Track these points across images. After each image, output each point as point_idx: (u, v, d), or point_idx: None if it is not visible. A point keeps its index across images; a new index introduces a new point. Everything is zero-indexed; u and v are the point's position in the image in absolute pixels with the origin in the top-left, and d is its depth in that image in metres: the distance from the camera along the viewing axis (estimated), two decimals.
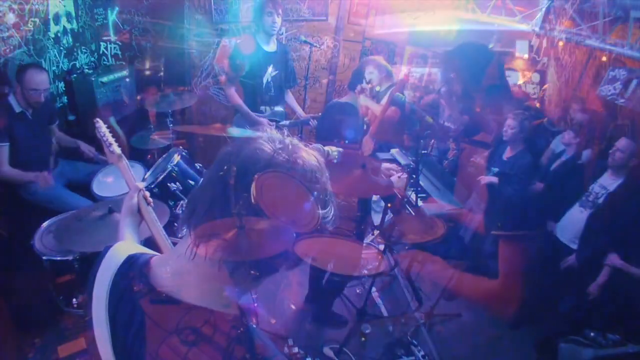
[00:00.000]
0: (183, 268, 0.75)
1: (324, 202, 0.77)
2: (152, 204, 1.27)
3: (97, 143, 3.36)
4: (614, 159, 2.73)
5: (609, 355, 2.04)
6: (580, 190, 3.00)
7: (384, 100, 3.42)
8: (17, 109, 2.76)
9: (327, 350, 2.55)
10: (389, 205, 2.88)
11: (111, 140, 1.44)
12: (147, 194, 1.27)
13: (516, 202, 3.08)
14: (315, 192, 0.75)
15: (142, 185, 1.27)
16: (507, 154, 3.20)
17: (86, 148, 3.21)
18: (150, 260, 0.82)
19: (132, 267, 0.82)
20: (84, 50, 3.83)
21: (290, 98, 3.77)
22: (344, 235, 2.47)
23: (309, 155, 0.79)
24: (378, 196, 3.85)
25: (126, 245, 0.91)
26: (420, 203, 3.25)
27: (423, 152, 2.96)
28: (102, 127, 1.47)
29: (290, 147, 0.77)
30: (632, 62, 3.11)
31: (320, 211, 0.73)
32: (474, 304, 2.91)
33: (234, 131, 2.63)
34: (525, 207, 3.10)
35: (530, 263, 2.70)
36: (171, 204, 2.72)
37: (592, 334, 2.12)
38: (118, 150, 1.43)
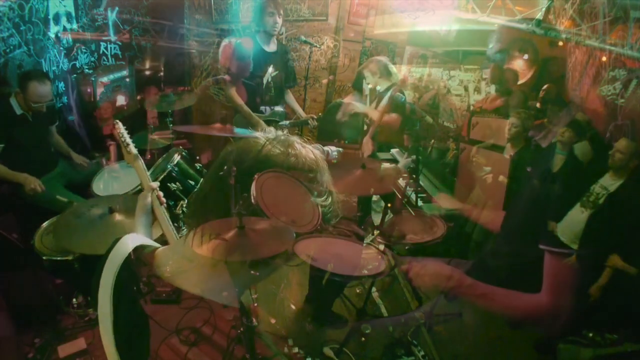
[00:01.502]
0: (187, 257, 0.79)
1: (321, 192, 0.79)
2: (164, 203, 1.31)
3: (88, 149, 3.40)
4: (614, 160, 2.73)
5: (608, 354, 2.04)
6: (583, 187, 2.99)
7: (385, 101, 3.43)
8: (18, 111, 2.76)
9: (327, 350, 2.55)
10: (389, 205, 2.88)
11: (128, 140, 1.50)
12: (161, 194, 1.32)
13: (523, 201, 3.05)
14: (312, 183, 0.77)
15: (155, 185, 1.32)
16: (509, 151, 3.20)
17: (79, 159, 3.21)
18: (155, 251, 0.86)
19: (138, 257, 0.85)
20: (84, 50, 3.83)
21: (290, 98, 3.77)
22: (344, 235, 2.47)
23: (305, 148, 0.81)
24: (378, 196, 3.85)
25: (134, 237, 0.94)
26: (420, 203, 3.25)
27: (419, 158, 2.98)
28: (120, 127, 1.52)
29: (283, 138, 0.80)
30: (632, 62, 3.11)
31: (318, 200, 0.75)
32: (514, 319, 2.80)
33: (239, 132, 2.64)
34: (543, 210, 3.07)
35: (578, 279, 2.67)
36: (171, 203, 2.72)
37: (590, 334, 2.12)
38: (134, 150, 1.48)
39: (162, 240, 1.27)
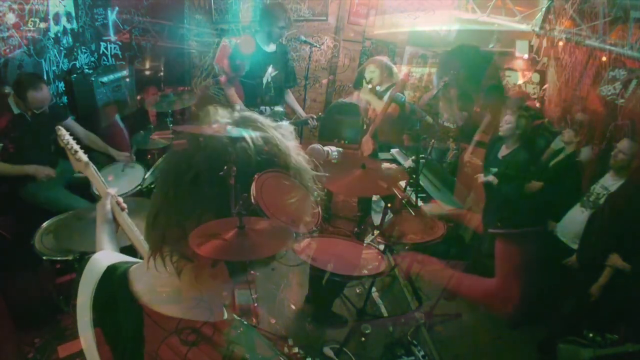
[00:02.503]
0: (157, 280, 0.72)
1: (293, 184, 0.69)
2: (126, 209, 1.25)
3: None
4: (615, 160, 2.73)
5: (608, 355, 2.04)
6: (579, 188, 3.00)
7: (385, 100, 3.42)
8: (16, 111, 2.76)
9: (327, 350, 2.55)
10: (389, 205, 2.88)
11: (76, 147, 1.40)
12: (120, 199, 1.26)
13: (514, 201, 3.08)
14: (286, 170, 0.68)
15: (113, 191, 1.27)
16: (503, 152, 3.20)
17: (121, 156, 3.17)
18: (128, 271, 0.79)
19: (112, 279, 0.80)
20: (84, 50, 3.83)
21: (290, 98, 3.77)
22: (344, 235, 2.47)
23: (263, 130, 0.70)
24: (378, 196, 3.85)
25: (106, 255, 0.88)
26: (420, 203, 3.25)
27: (422, 157, 2.97)
28: (64, 134, 1.41)
29: (228, 128, 0.69)
30: (632, 62, 3.11)
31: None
32: (472, 304, 2.90)
33: (234, 131, 2.64)
34: (524, 205, 3.10)
35: (527, 261, 2.70)
36: None
37: (590, 334, 2.12)
38: (84, 157, 1.39)
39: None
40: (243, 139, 0.67)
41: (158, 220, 0.70)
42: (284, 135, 0.73)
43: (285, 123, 0.76)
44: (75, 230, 2.15)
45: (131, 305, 0.74)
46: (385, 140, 3.74)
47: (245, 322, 0.81)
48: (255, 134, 0.68)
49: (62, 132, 1.42)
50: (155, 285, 0.73)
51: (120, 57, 4.18)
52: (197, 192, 0.65)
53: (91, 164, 1.40)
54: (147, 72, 4.36)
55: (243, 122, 0.72)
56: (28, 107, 2.72)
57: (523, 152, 3.12)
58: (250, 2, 4.39)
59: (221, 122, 0.72)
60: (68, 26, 3.62)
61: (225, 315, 0.77)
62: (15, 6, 2.95)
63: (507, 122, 3.11)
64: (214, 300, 0.74)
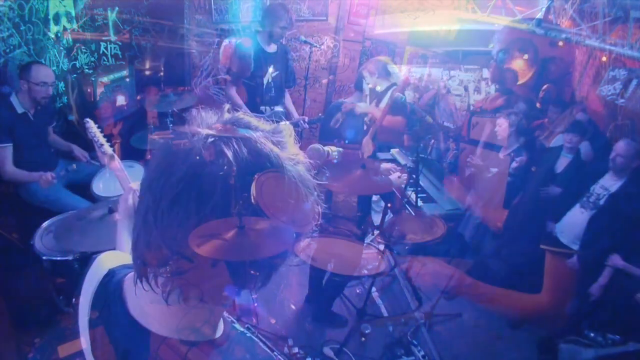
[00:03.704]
0: (146, 297, 0.69)
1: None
2: None
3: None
4: (615, 163, 2.73)
5: (610, 355, 2.04)
6: (585, 188, 3.00)
7: (385, 101, 3.43)
8: (20, 110, 2.77)
9: (327, 350, 2.55)
10: (389, 205, 2.88)
11: (102, 140, 1.41)
12: None
13: (516, 201, 3.08)
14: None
15: (135, 185, 1.25)
16: (502, 152, 3.21)
17: (79, 152, 3.20)
18: (123, 280, 0.76)
19: (108, 286, 0.78)
20: (84, 50, 3.83)
21: (287, 100, 3.78)
22: (344, 235, 2.47)
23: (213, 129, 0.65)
24: (378, 196, 3.85)
25: (110, 257, 0.86)
26: (420, 203, 3.25)
27: (421, 156, 2.98)
28: (92, 127, 1.44)
29: (191, 133, 0.64)
30: (632, 62, 3.11)
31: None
32: (514, 319, 2.87)
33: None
34: (535, 209, 3.10)
35: (577, 280, 2.68)
36: None
37: (591, 334, 2.12)
38: (110, 150, 1.40)
39: None
40: (225, 155, 0.60)
41: (139, 244, 0.67)
42: (279, 142, 0.67)
43: (283, 124, 0.71)
44: (75, 230, 2.15)
45: (123, 314, 0.72)
46: (385, 140, 3.75)
47: (244, 331, 0.80)
48: (238, 147, 0.62)
49: (91, 124, 1.43)
50: (144, 302, 0.70)
51: (120, 57, 4.18)
52: (177, 214, 0.61)
53: (116, 157, 1.40)
54: (147, 72, 4.36)
55: (236, 124, 0.66)
56: (32, 86, 2.71)
57: (523, 152, 3.12)
58: (250, 2, 4.39)
59: (202, 133, 0.63)
60: (68, 26, 3.62)
61: (219, 333, 0.75)
62: (15, 6, 2.95)
63: (499, 125, 3.13)
64: (204, 320, 0.72)
